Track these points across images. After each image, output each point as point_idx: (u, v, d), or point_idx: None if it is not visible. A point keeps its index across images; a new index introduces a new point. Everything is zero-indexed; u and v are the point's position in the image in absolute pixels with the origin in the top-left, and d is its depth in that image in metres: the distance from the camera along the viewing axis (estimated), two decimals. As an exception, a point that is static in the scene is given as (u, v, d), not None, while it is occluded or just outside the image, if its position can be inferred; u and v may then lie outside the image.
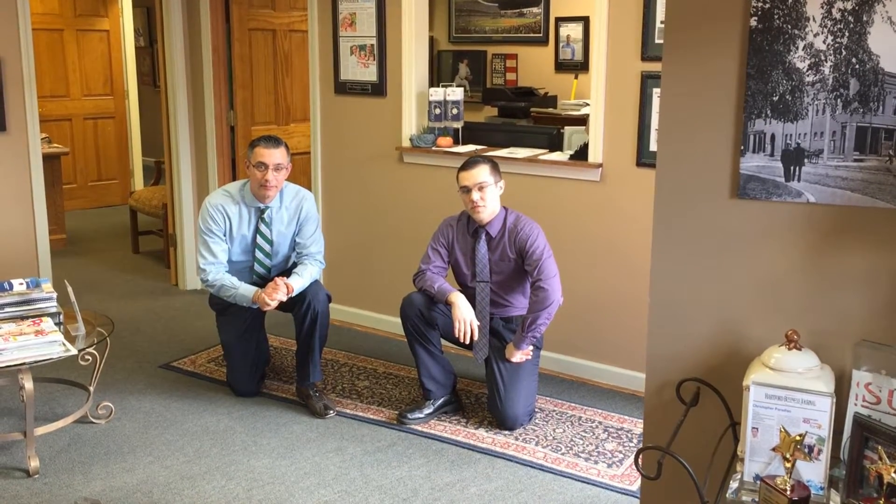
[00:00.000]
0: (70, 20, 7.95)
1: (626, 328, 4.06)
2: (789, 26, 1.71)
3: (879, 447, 1.52)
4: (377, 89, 4.71)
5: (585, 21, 7.11)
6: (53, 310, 3.58)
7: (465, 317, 3.57)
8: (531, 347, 3.66)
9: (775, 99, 1.75)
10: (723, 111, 1.81)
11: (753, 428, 1.64)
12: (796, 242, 1.78)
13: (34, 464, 3.29)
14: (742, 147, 1.80)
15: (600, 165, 4.05)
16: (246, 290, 3.82)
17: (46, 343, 3.29)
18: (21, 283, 3.58)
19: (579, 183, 4.14)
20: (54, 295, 3.61)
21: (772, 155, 1.78)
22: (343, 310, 5.00)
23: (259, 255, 3.96)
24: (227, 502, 3.12)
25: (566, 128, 4.54)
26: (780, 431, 1.57)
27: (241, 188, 3.97)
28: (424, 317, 3.70)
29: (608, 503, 3.16)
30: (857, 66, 1.67)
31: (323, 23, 4.85)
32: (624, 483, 3.28)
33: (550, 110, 6.77)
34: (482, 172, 3.61)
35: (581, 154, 4.16)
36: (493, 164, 3.70)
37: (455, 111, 4.57)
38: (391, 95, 4.68)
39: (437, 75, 7.85)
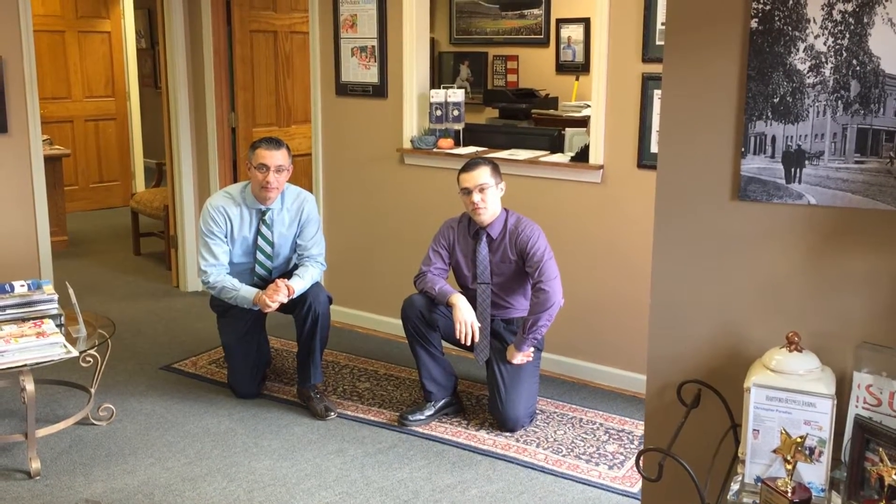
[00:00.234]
0: (71, 22, 7.96)
1: (627, 330, 4.06)
2: (790, 28, 1.71)
3: (880, 449, 1.52)
4: (378, 91, 4.71)
5: (586, 22, 7.11)
6: (55, 311, 3.58)
7: (466, 318, 3.57)
8: (532, 349, 3.66)
9: (776, 101, 1.75)
10: (723, 113, 1.81)
11: (754, 430, 1.64)
12: (797, 244, 1.78)
13: (35, 465, 3.29)
14: (743, 149, 1.80)
15: (601, 167, 4.06)
16: (247, 291, 3.83)
17: (48, 345, 3.29)
18: (22, 285, 3.58)
19: (580, 185, 4.14)
20: (55, 297, 3.61)
21: (772, 157, 1.78)
22: (344, 311, 5.00)
23: (260, 256, 3.96)
24: (228, 504, 3.13)
25: (567, 129, 4.55)
26: (781, 433, 1.57)
27: (242, 190, 3.97)
28: (425, 318, 3.70)
29: (609, 505, 3.16)
30: (857, 68, 1.67)
31: (324, 24, 4.85)
32: (625, 485, 3.28)
33: (551, 112, 6.77)
34: (483, 174, 3.61)
35: (582, 156, 4.16)
36: (494, 165, 3.70)
37: (456, 113, 4.57)
38: (392, 97, 4.68)
39: (438, 77, 7.85)
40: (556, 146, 4.48)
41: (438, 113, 4.56)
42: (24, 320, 3.49)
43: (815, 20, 1.69)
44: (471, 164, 3.68)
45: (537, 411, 3.85)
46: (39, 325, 3.44)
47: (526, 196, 4.21)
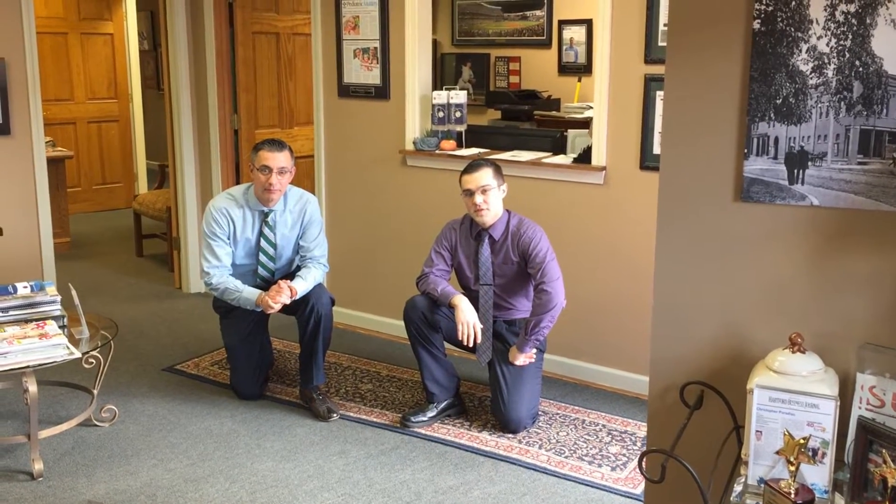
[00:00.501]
0: (74, 24, 7.97)
1: (629, 331, 4.05)
2: (792, 29, 1.71)
3: (884, 451, 1.52)
4: (380, 92, 4.71)
5: (589, 24, 7.11)
6: (57, 313, 3.58)
7: (469, 319, 3.57)
8: (534, 350, 3.66)
9: (779, 102, 1.75)
10: (726, 114, 1.81)
11: (757, 431, 1.64)
12: (800, 245, 1.78)
13: (38, 467, 3.29)
14: (745, 150, 1.80)
15: (604, 168, 4.05)
16: (250, 293, 3.83)
17: (50, 346, 3.30)
18: (25, 287, 3.59)
19: (583, 186, 4.14)
20: (58, 298, 3.61)
21: (775, 158, 1.77)
22: (346, 313, 5.00)
23: (263, 258, 3.97)
24: (231, 505, 3.13)
25: (569, 131, 4.54)
26: (784, 435, 1.57)
27: (245, 192, 3.97)
28: (428, 320, 3.70)
29: (612, 506, 3.16)
30: (860, 69, 1.67)
31: (326, 26, 4.85)
32: (628, 486, 3.28)
33: (554, 113, 6.77)
34: (485, 175, 3.61)
35: (584, 157, 4.16)
36: (496, 167, 3.70)
37: (458, 114, 4.58)
38: (394, 98, 4.68)
39: (441, 78, 7.86)
40: (559, 147, 4.47)
41: (441, 114, 4.56)
42: (26, 322, 3.50)
43: (817, 21, 1.69)
44: (473, 165, 3.68)
45: (540, 413, 3.85)
46: (42, 327, 3.44)
47: (528, 197, 4.21)
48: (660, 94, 3.79)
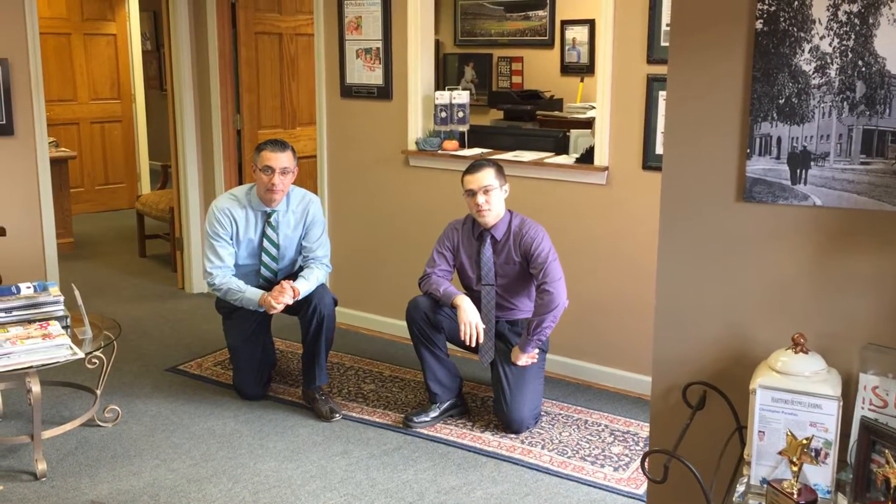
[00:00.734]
0: (77, 24, 7.98)
1: (631, 331, 4.05)
2: (795, 29, 1.71)
3: (886, 451, 1.52)
4: (383, 93, 4.71)
5: (591, 24, 7.10)
6: (61, 313, 3.58)
7: (471, 320, 3.57)
8: (537, 351, 3.66)
9: (781, 102, 1.75)
10: (729, 114, 1.81)
11: (760, 431, 1.64)
12: (803, 245, 1.78)
13: (41, 467, 3.30)
14: (748, 150, 1.80)
15: (606, 169, 4.05)
16: (252, 293, 3.83)
17: (54, 346, 3.30)
18: (28, 287, 3.59)
19: (585, 186, 4.14)
20: (61, 298, 3.62)
21: (778, 158, 1.77)
22: (349, 313, 5.00)
23: (265, 258, 3.97)
24: (234, 505, 3.13)
25: (572, 131, 4.54)
26: (787, 435, 1.57)
27: (247, 192, 3.97)
28: (430, 320, 3.70)
29: (614, 507, 3.16)
30: (863, 69, 1.67)
31: (329, 26, 4.86)
32: (630, 487, 3.28)
33: (556, 113, 6.77)
34: (487, 176, 3.61)
35: (587, 157, 4.16)
36: (498, 167, 3.70)
37: (461, 114, 4.58)
38: (397, 99, 4.68)
39: (443, 78, 7.86)
40: (561, 148, 4.47)
41: (443, 115, 4.56)
42: (30, 322, 3.50)
43: (820, 21, 1.69)
44: (475, 165, 3.68)
45: (542, 413, 3.85)
46: (45, 327, 3.45)
47: (531, 197, 4.21)
48: (662, 95, 3.79)
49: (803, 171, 1.75)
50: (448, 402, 3.80)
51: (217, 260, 3.87)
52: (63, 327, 3.50)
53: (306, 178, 5.43)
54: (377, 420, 3.81)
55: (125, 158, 8.42)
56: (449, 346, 3.81)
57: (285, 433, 3.69)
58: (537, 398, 3.75)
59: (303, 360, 3.97)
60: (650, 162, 3.90)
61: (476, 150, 4.57)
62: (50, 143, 5.36)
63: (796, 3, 1.70)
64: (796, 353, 1.66)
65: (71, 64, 7.97)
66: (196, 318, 5.19)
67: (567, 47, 7.41)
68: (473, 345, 3.61)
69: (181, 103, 5.49)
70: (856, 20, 1.66)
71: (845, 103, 1.70)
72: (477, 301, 3.68)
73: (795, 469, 1.55)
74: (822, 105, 1.72)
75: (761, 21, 1.74)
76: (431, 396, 3.79)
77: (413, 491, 3.23)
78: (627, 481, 3.32)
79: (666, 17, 3.74)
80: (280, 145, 3.89)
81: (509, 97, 6.88)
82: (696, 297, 1.90)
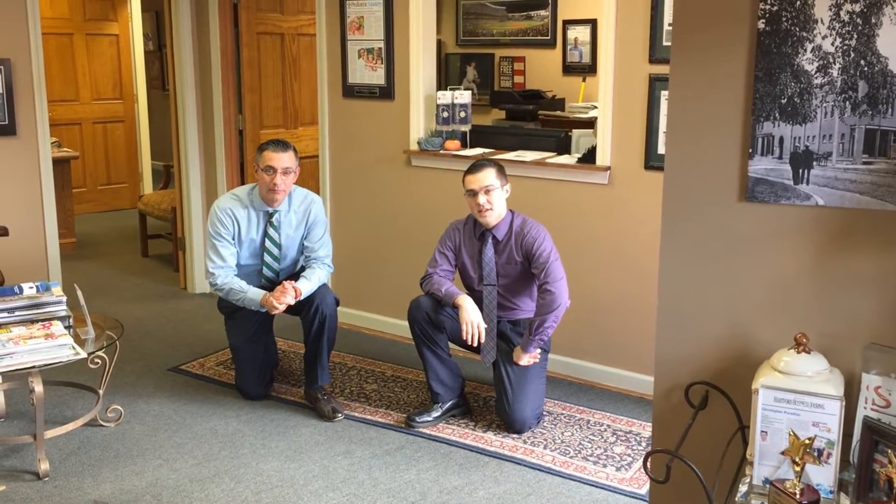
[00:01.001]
0: (79, 24, 7.99)
1: (634, 331, 4.05)
2: (797, 29, 1.71)
3: (889, 451, 1.52)
4: (385, 93, 4.72)
5: (593, 24, 7.11)
6: (63, 313, 3.59)
7: (473, 319, 3.57)
8: (539, 350, 3.66)
9: (783, 101, 1.75)
10: (731, 114, 1.81)
11: (762, 431, 1.64)
12: (805, 245, 1.78)
13: (44, 467, 3.30)
14: (750, 150, 1.79)
15: (608, 168, 4.05)
16: (254, 293, 3.83)
17: (56, 346, 3.30)
18: (31, 287, 3.59)
19: (587, 186, 4.14)
20: (64, 298, 3.62)
21: (780, 158, 1.77)
22: (351, 313, 5.00)
23: (267, 258, 3.97)
24: (236, 505, 3.13)
25: (574, 131, 4.54)
26: (790, 435, 1.57)
27: (249, 192, 3.98)
28: (432, 320, 3.70)
29: (617, 507, 3.16)
30: (865, 69, 1.67)
31: (331, 26, 4.86)
32: (633, 487, 3.28)
33: (558, 113, 6.77)
34: (488, 176, 3.61)
35: (589, 157, 4.16)
36: (500, 167, 3.70)
37: (463, 114, 4.58)
38: (399, 99, 4.69)
39: (445, 78, 7.86)
40: (563, 147, 4.47)
41: (445, 114, 4.56)
42: (32, 322, 3.50)
43: (822, 21, 1.69)
44: (476, 165, 3.68)
45: (544, 413, 3.85)
46: (48, 327, 3.45)
47: (533, 197, 4.21)
48: (664, 94, 3.79)
49: (805, 171, 1.75)
50: (450, 402, 3.80)
51: (219, 260, 3.87)
52: (65, 327, 3.51)
53: (308, 178, 5.43)
54: (379, 420, 3.81)
55: (127, 158, 8.43)
56: (451, 345, 3.81)
57: (287, 433, 3.69)
58: (539, 398, 3.75)
59: (305, 360, 3.97)
60: (652, 162, 3.90)
61: (478, 150, 4.57)
62: (52, 143, 5.36)
63: (798, 2, 1.70)
64: (799, 352, 1.66)
65: (73, 64, 7.98)
66: (198, 318, 5.20)
67: (569, 47, 7.41)
68: (475, 345, 3.61)
69: (183, 103, 5.50)
70: (858, 20, 1.66)
71: (847, 103, 1.70)
72: (479, 301, 3.68)
73: (798, 469, 1.55)
74: (825, 105, 1.72)
75: (763, 21, 1.74)
76: (433, 396, 3.79)
77: (415, 491, 3.23)
78: (630, 481, 3.32)
79: (668, 16, 3.74)
80: (282, 145, 3.89)
81: (511, 97, 6.88)
82: (699, 297, 1.90)
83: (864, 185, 1.70)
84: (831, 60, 1.69)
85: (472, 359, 4.24)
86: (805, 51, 1.71)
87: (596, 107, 4.94)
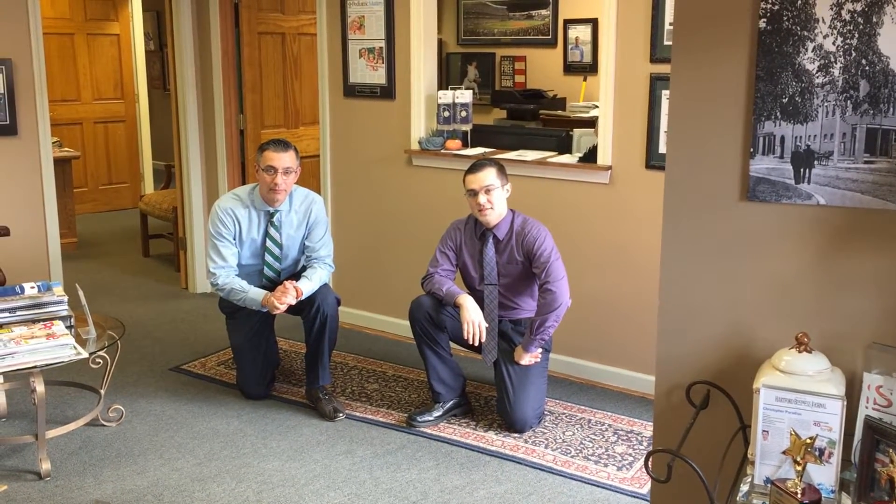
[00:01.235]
0: (80, 24, 7.99)
1: (635, 331, 4.05)
2: (798, 28, 1.71)
3: (890, 450, 1.52)
4: (386, 92, 4.72)
5: (594, 23, 7.11)
6: (64, 313, 3.59)
7: (474, 318, 3.57)
8: (540, 350, 3.66)
9: (785, 101, 1.75)
10: (732, 113, 1.81)
11: (764, 431, 1.64)
12: (806, 245, 1.78)
13: (46, 466, 3.30)
14: (752, 149, 1.79)
15: (609, 168, 4.05)
16: (255, 293, 3.83)
17: (57, 346, 3.31)
18: (32, 287, 3.60)
19: (588, 185, 4.14)
20: (65, 298, 3.63)
21: (781, 157, 1.77)
22: (352, 313, 5.00)
23: (269, 258, 3.97)
24: (237, 505, 3.13)
25: (575, 130, 4.54)
26: (791, 434, 1.57)
27: (250, 192, 3.98)
28: (433, 319, 3.70)
29: (618, 506, 3.16)
30: (867, 68, 1.67)
31: (332, 26, 4.86)
32: (634, 486, 3.28)
33: (559, 112, 6.77)
34: (488, 175, 3.61)
35: (590, 156, 4.16)
36: (500, 166, 3.70)
37: (464, 114, 4.58)
38: (400, 98, 4.69)
39: (446, 78, 7.86)
40: (564, 147, 4.47)
41: (446, 114, 4.56)
42: (34, 322, 3.51)
43: (823, 20, 1.69)
44: (476, 165, 3.68)
45: (546, 412, 3.85)
46: (49, 327, 3.45)
47: (534, 197, 4.21)
48: (665, 94, 3.78)
49: (807, 171, 1.75)
50: (451, 402, 3.80)
51: (220, 260, 3.88)
52: (67, 327, 3.51)
53: (309, 178, 5.43)
54: (380, 419, 3.81)
55: (128, 158, 8.43)
56: (452, 345, 3.81)
57: (289, 433, 3.69)
58: (541, 397, 3.75)
59: (306, 360, 3.97)
60: (653, 161, 3.90)
61: (479, 150, 4.57)
62: (53, 143, 5.37)
63: (799, 2, 1.70)
64: (800, 352, 1.66)
65: (74, 64, 7.98)
66: (199, 318, 5.20)
67: (570, 46, 7.41)
68: (476, 344, 3.61)
69: (184, 103, 5.50)
70: (859, 19, 1.66)
71: (849, 102, 1.70)
72: (480, 300, 3.68)
73: (799, 468, 1.55)
74: (826, 104, 1.72)
75: (765, 20, 1.74)
76: (435, 396, 3.79)
77: (416, 490, 3.23)
78: (631, 481, 3.32)
79: (669, 15, 3.73)
80: (283, 145, 3.89)
81: (512, 96, 6.88)
82: (700, 297, 1.90)
83: (865, 185, 1.70)
84: (832, 60, 1.69)
85: (473, 358, 4.24)
86: (806, 50, 1.71)
87: (597, 106, 4.94)
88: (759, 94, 1.77)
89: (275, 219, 3.94)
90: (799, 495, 1.53)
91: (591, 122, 5.67)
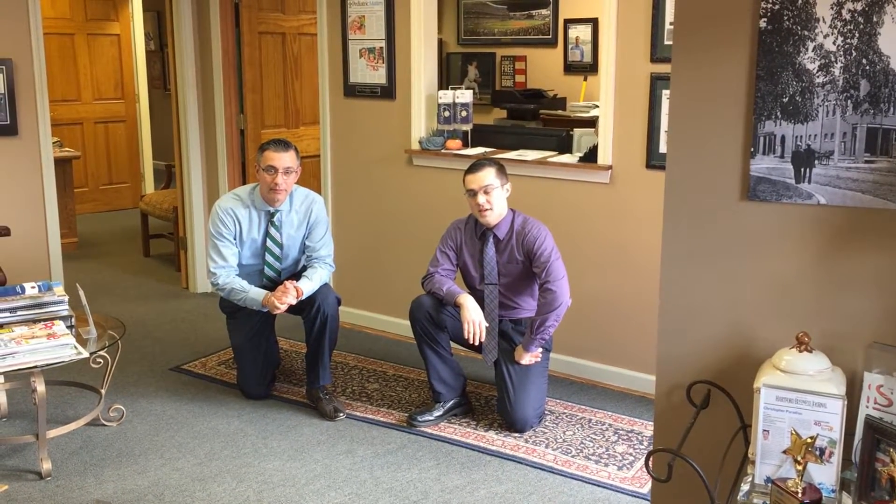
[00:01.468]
0: (81, 24, 7.99)
1: (635, 330, 4.05)
2: (799, 27, 1.71)
3: (891, 450, 1.52)
4: (386, 92, 4.72)
5: (594, 23, 7.11)
6: (65, 313, 3.59)
7: (474, 318, 3.57)
8: (540, 350, 3.66)
9: (785, 100, 1.75)
10: (732, 113, 1.81)
11: (764, 430, 1.64)
12: (807, 244, 1.78)
13: (46, 466, 3.30)
14: (752, 149, 1.79)
15: (610, 167, 4.05)
16: (256, 293, 3.84)
17: (58, 346, 3.31)
18: (33, 287, 3.60)
19: (589, 185, 4.14)
20: (66, 298, 3.63)
21: (782, 157, 1.77)
22: (352, 312, 5.01)
23: (269, 258, 3.97)
24: (238, 505, 3.13)
25: (575, 130, 4.54)
26: (792, 434, 1.57)
27: (251, 192, 3.98)
28: (433, 319, 3.70)
29: (618, 506, 3.16)
30: (867, 67, 1.67)
31: (332, 26, 4.86)
32: (634, 486, 3.28)
33: (560, 112, 6.77)
34: (488, 175, 3.61)
35: (590, 156, 4.16)
36: (500, 166, 3.70)
37: (464, 113, 4.58)
38: (400, 98, 4.69)
39: (446, 78, 7.86)
40: (565, 147, 4.47)
41: (446, 114, 4.56)
42: (34, 322, 3.51)
43: (824, 19, 1.69)
44: (476, 165, 3.68)
45: (546, 412, 3.85)
46: (50, 327, 3.45)
47: (534, 197, 4.21)
48: (666, 93, 3.78)
49: (807, 170, 1.75)
50: (452, 401, 3.80)
51: (220, 260, 3.88)
52: (67, 327, 3.51)
53: (310, 178, 5.43)
54: (381, 419, 3.81)
55: (129, 158, 8.43)
56: (452, 345, 3.81)
57: (289, 432, 3.69)
58: (541, 397, 3.75)
59: (306, 360, 3.97)
60: (654, 161, 3.90)
61: (479, 150, 4.57)
62: (54, 143, 5.37)
63: (800, 1, 1.70)
64: (801, 351, 1.66)
65: (74, 64, 7.98)
66: (200, 318, 5.20)
67: (570, 46, 7.41)
68: (477, 344, 3.61)
69: (185, 103, 5.50)
70: (860, 18, 1.66)
71: (849, 102, 1.70)
72: (480, 300, 3.68)
73: (800, 468, 1.55)
74: (827, 103, 1.72)
75: (765, 19, 1.74)
76: (435, 395, 3.79)
77: (417, 490, 3.23)
78: (631, 480, 3.32)
79: (669, 15, 3.73)
80: (283, 145, 3.89)
81: (512, 96, 6.88)
82: (700, 296, 1.90)
83: (865, 184, 1.70)
84: (833, 59, 1.69)
85: (473, 358, 4.24)
86: (807, 49, 1.71)
87: (597, 106, 4.93)
88: (759, 94, 1.77)
89: (275, 219, 3.94)
90: (800, 495, 1.53)
91: (592, 122, 5.67)
